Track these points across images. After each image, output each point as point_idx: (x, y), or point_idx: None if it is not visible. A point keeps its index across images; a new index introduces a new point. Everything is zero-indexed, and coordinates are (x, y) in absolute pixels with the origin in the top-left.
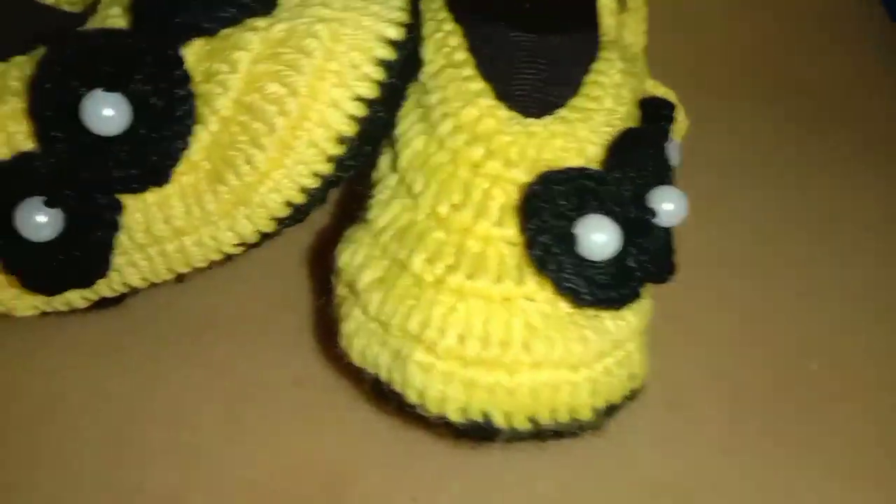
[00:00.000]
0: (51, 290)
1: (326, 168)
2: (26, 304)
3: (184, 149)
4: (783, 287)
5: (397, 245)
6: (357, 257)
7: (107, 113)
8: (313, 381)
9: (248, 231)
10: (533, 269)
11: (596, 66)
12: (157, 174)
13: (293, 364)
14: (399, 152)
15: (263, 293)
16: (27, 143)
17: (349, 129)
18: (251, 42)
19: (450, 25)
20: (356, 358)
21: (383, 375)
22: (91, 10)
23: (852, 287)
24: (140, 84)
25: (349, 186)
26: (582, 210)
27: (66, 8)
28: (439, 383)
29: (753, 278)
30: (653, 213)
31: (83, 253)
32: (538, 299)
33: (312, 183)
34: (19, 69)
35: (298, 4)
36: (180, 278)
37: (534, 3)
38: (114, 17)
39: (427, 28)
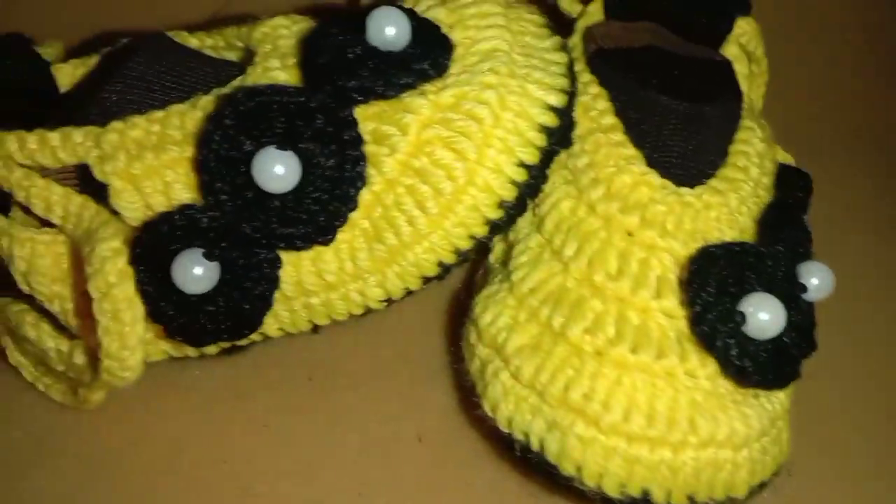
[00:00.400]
0: (199, 341)
1: (483, 231)
2: (159, 349)
3: (352, 210)
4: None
5: (549, 311)
6: (501, 319)
7: (278, 171)
8: (437, 437)
9: (397, 288)
10: (695, 345)
11: (739, 134)
12: (323, 233)
13: (417, 418)
14: (544, 214)
15: (387, 345)
16: (184, 193)
17: (509, 195)
18: (422, 106)
19: (595, 88)
20: (502, 422)
21: (534, 444)
22: (247, 59)
23: None
24: (312, 143)
25: None
26: (745, 287)
27: (210, 53)
28: (600, 458)
29: (857, 345)
30: (804, 289)
31: (240, 307)
32: (699, 376)
33: (466, 245)
34: (179, 117)
35: (465, 70)
36: (316, 329)
37: (683, 70)
38: (274, 69)
39: None
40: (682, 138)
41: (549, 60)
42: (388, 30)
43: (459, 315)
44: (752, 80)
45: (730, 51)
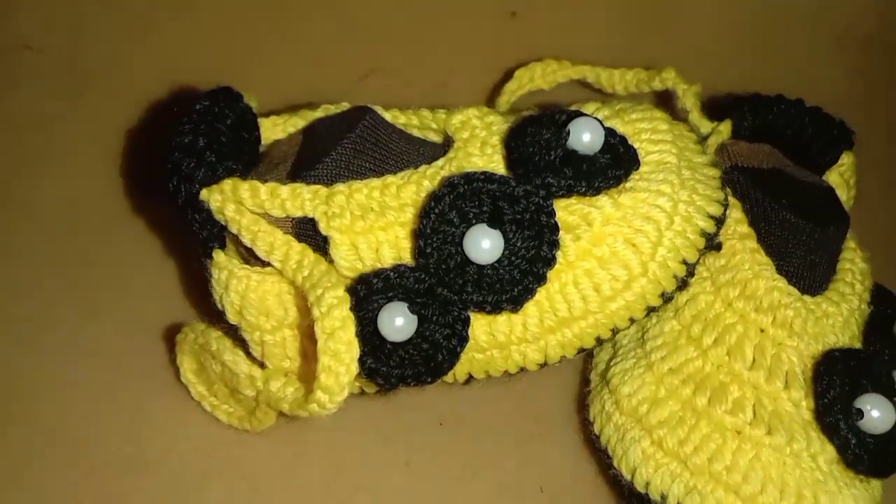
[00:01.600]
0: (387, 383)
1: (641, 315)
2: None
3: (542, 285)
4: None
5: (690, 391)
6: (641, 392)
7: (485, 245)
8: (557, 489)
9: (555, 354)
10: (817, 432)
11: (845, 254)
12: (514, 303)
13: (537, 470)
14: (682, 304)
15: (507, 398)
16: (390, 252)
17: (670, 287)
18: (606, 205)
19: (731, 199)
20: (640, 484)
21: None
22: (445, 142)
23: None
24: (514, 226)
25: None
26: (860, 388)
27: (416, 133)
28: None
29: None
30: None
31: (431, 358)
32: (819, 459)
33: (624, 325)
34: (395, 188)
35: (642, 178)
36: (469, 381)
37: (806, 193)
38: (474, 156)
39: None
40: (803, 253)
41: (708, 175)
42: (586, 136)
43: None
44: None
45: (833, 178)
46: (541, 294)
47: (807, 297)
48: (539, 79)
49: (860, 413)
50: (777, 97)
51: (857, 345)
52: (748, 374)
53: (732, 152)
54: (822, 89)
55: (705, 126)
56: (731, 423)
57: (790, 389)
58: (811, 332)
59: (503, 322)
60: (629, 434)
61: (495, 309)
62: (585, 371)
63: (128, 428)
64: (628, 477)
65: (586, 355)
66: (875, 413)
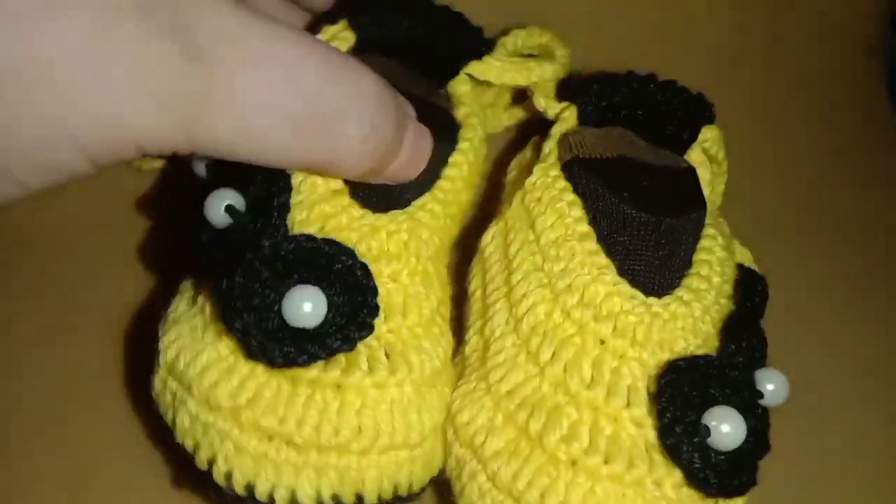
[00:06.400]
0: None
1: None
2: None
3: None
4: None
5: (525, 416)
6: (478, 419)
7: None
8: None
9: None
10: (662, 455)
11: (702, 243)
12: None
13: None
14: (520, 315)
15: None
16: None
17: None
18: None
19: (570, 196)
20: None
21: None
22: None
23: None
24: None
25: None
26: (709, 400)
27: None
28: None
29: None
30: (761, 395)
31: None
32: (666, 485)
33: None
34: None
35: None
36: None
37: (653, 182)
38: None
39: (546, 194)
40: (650, 249)
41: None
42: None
43: None
44: (713, 179)
45: (694, 156)
46: None
47: (652, 300)
48: None
49: (707, 430)
50: (626, 75)
51: (713, 346)
52: (586, 394)
53: (574, 143)
54: (705, 49)
55: (552, 108)
56: (565, 453)
57: (632, 408)
58: (656, 340)
59: None
60: (467, 467)
61: None
62: None
63: None
64: None
65: None
66: (724, 428)
